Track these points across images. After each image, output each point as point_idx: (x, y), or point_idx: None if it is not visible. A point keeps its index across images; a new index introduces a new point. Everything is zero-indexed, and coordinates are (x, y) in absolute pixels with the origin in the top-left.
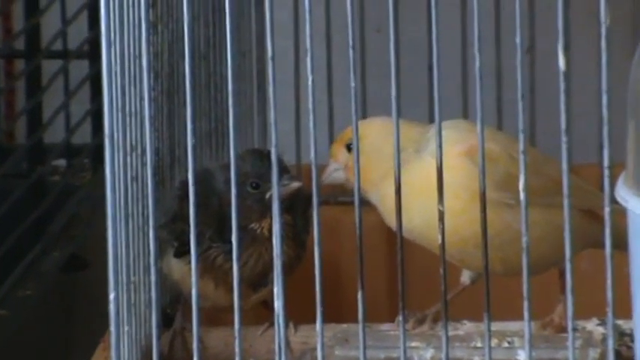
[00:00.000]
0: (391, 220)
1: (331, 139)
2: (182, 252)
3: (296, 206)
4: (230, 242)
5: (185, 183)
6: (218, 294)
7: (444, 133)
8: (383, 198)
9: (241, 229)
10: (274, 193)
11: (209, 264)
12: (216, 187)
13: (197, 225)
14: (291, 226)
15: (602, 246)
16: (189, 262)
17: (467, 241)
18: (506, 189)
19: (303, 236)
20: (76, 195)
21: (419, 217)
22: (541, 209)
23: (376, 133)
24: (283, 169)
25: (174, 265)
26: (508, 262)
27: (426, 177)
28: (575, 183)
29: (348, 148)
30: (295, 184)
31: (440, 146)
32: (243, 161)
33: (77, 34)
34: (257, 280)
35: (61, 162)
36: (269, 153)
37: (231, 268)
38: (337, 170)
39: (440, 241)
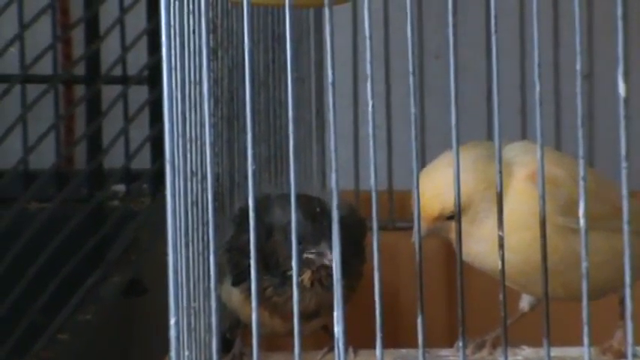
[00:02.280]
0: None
1: (390, 165)
2: (239, 281)
3: (349, 237)
4: (275, 276)
5: (244, 210)
6: (274, 323)
7: (512, 155)
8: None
9: (283, 273)
10: (334, 220)
11: (260, 294)
12: (268, 219)
13: (250, 254)
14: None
15: None
16: (246, 291)
17: (537, 269)
18: (571, 213)
19: (356, 267)
20: (135, 220)
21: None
22: (604, 234)
23: (476, 201)
24: (326, 233)
25: (232, 292)
26: (570, 286)
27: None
28: (636, 208)
29: (450, 218)
30: (327, 261)
31: (500, 173)
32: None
33: (136, 59)
34: (307, 314)
35: (121, 187)
36: (321, 210)
37: (280, 300)
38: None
39: (500, 267)
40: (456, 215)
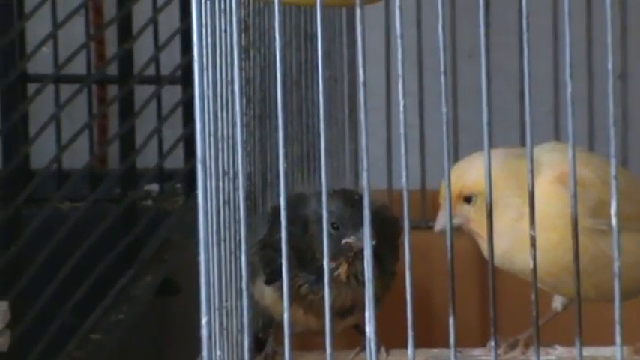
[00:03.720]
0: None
1: (423, 165)
2: (272, 279)
3: (383, 234)
4: (311, 273)
5: (276, 208)
6: (308, 320)
7: (541, 156)
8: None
9: (318, 269)
10: (365, 218)
11: (295, 292)
12: (305, 214)
13: (284, 252)
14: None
15: None
16: (279, 289)
17: (565, 270)
18: (600, 215)
19: (391, 265)
20: (168, 220)
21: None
22: (634, 235)
23: (498, 185)
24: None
25: (265, 290)
26: (601, 287)
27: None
28: None
29: (467, 200)
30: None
31: (531, 171)
32: (331, 199)
33: (170, 59)
34: (343, 311)
35: (154, 187)
36: (360, 198)
37: (315, 297)
38: (454, 221)
39: (531, 266)
40: (486, 208)
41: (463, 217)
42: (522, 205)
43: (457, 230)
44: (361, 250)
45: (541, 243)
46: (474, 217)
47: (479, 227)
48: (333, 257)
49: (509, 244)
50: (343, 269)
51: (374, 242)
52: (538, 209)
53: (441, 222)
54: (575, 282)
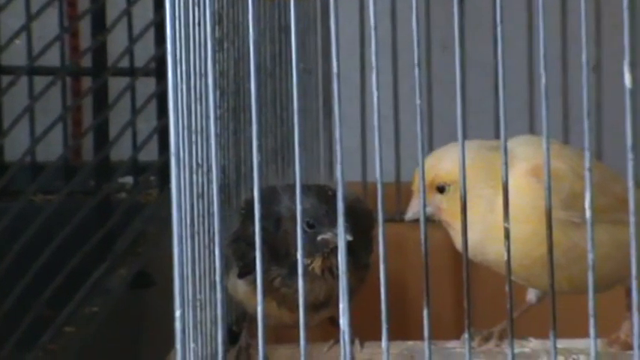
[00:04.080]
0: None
1: (397, 157)
2: (245, 273)
3: (357, 227)
4: (284, 267)
5: (250, 202)
6: (281, 313)
7: (515, 148)
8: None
9: (292, 263)
10: (339, 211)
11: (268, 285)
12: (277, 209)
13: (257, 245)
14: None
15: None
16: (252, 283)
17: (537, 263)
18: (573, 207)
19: (364, 258)
20: (142, 212)
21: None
22: (607, 227)
23: (471, 176)
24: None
25: (238, 284)
26: (574, 280)
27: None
28: None
29: (439, 189)
30: (347, 238)
31: (506, 163)
32: (305, 196)
33: (144, 51)
34: (316, 305)
35: (128, 179)
36: (334, 194)
37: (289, 291)
38: (426, 209)
39: (505, 258)
40: (460, 198)
41: (435, 207)
42: (494, 196)
43: (430, 221)
44: (337, 246)
45: (514, 235)
46: (445, 207)
47: (450, 217)
48: (309, 254)
49: (481, 235)
50: (317, 264)
51: (350, 238)
52: (511, 201)
53: (413, 210)
54: (549, 275)
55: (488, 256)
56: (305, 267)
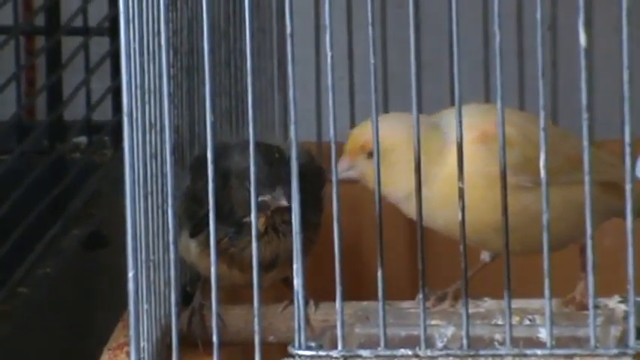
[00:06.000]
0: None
1: (352, 117)
2: (196, 232)
3: (306, 187)
4: (230, 226)
5: (199, 159)
6: (232, 273)
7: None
8: (407, 199)
9: (237, 221)
10: (293, 173)
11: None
12: (226, 166)
13: (207, 204)
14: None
15: (623, 215)
16: (202, 244)
17: (488, 227)
18: (524, 172)
19: (314, 218)
20: (96, 172)
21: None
22: (558, 188)
23: (402, 145)
24: (282, 178)
25: (190, 245)
26: (526, 242)
27: (448, 171)
28: (595, 156)
29: (370, 154)
30: (283, 203)
31: (460, 123)
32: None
33: (98, 10)
34: (265, 265)
35: (82, 139)
36: (280, 156)
37: (236, 250)
38: (350, 171)
39: (459, 219)
40: (415, 165)
41: (360, 171)
42: (426, 166)
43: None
44: (277, 207)
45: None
46: (371, 173)
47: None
48: (248, 212)
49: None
50: (261, 222)
51: (285, 203)
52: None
53: (340, 170)
54: (503, 237)
55: (436, 223)
56: (245, 224)
